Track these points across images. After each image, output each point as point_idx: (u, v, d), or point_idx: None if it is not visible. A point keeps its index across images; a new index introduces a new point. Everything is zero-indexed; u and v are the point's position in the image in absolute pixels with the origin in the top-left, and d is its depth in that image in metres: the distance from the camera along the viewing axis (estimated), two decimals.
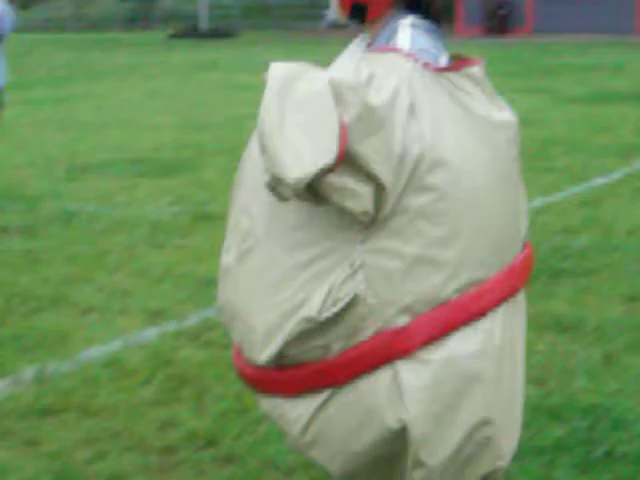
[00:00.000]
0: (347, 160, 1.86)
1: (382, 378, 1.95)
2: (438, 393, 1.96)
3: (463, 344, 1.97)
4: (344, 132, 1.84)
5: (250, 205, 2.11)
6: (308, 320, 1.94)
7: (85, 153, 9.23)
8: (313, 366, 1.99)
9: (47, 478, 2.95)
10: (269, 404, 2.13)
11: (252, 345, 2.06)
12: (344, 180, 1.86)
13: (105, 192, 7.42)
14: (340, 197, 1.86)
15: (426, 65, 2.06)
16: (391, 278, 1.95)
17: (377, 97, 1.89)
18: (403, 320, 1.95)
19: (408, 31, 2.14)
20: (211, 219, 6.21)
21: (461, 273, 1.97)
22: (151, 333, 4.29)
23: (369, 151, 1.87)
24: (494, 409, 2.02)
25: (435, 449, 1.96)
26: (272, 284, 2.01)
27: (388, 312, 1.95)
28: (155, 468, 3.01)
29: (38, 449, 3.14)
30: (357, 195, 1.88)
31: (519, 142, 2.18)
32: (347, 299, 1.93)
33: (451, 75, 2.08)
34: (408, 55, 2.05)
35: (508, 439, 2.07)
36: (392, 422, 1.94)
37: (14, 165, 8.50)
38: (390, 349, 1.94)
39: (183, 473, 2.99)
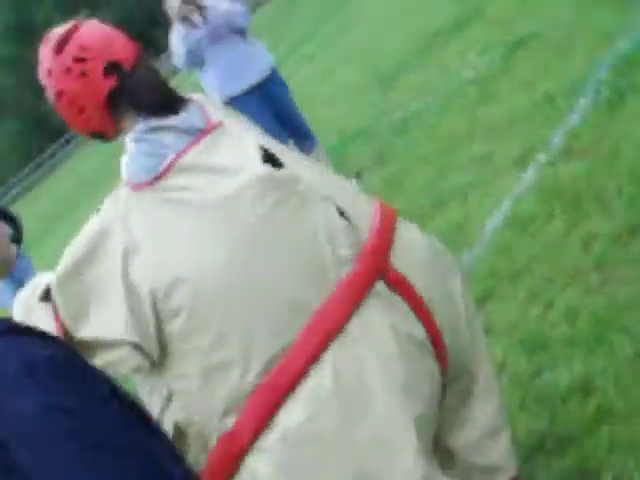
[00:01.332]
0: (85, 345, 1.94)
1: (245, 478, 1.95)
2: (292, 471, 1.92)
3: (290, 416, 1.91)
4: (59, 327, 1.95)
5: None
6: None
7: None
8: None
9: None
10: None
11: None
12: (101, 357, 1.94)
13: None
14: (113, 369, 1.90)
15: (139, 186, 2.01)
16: (197, 395, 1.96)
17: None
18: (230, 421, 1.94)
19: (128, 151, 2.08)
20: None
21: (253, 360, 1.93)
22: None
23: (95, 329, 1.95)
24: (362, 455, 1.91)
25: None
26: None
27: (215, 421, 1.96)
28: None
29: None
30: (121, 361, 1.93)
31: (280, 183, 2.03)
32: (172, 429, 1.98)
33: (162, 182, 2.01)
34: (127, 183, 2.04)
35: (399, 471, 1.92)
36: None
37: None
38: (231, 452, 1.95)
39: None
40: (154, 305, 1.93)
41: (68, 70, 2.12)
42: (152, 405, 2.02)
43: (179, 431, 1.98)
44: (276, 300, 1.96)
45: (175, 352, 1.97)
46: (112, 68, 2.12)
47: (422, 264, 2.17)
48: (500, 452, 2.25)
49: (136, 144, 2.07)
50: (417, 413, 1.95)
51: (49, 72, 2.16)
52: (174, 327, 1.95)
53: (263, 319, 1.95)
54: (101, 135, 2.23)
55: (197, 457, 1.97)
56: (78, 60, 2.11)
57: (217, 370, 1.94)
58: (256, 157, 2.05)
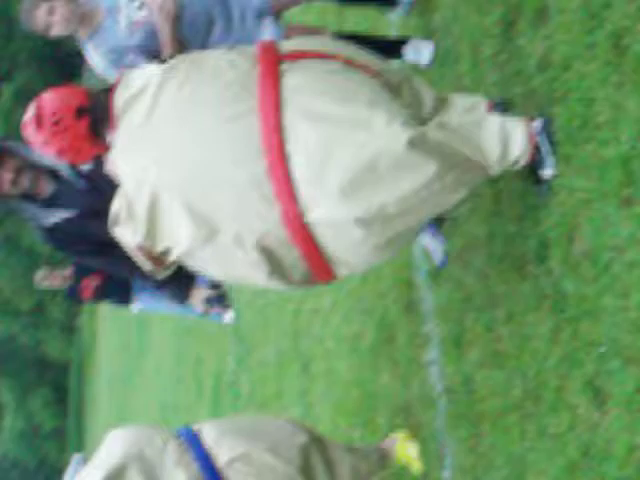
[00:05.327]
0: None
1: None
2: None
3: None
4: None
5: None
6: None
7: None
8: None
9: None
10: None
11: None
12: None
13: None
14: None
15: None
16: None
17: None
18: None
19: None
20: None
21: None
22: None
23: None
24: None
25: None
26: None
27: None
28: None
29: None
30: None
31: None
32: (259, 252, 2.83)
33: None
34: None
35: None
36: None
37: None
38: None
39: None
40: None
41: (54, 134, 2.90)
42: None
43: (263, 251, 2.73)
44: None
45: None
46: (79, 112, 2.90)
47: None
48: None
49: None
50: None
51: (43, 144, 2.94)
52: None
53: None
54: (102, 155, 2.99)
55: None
56: (56, 124, 2.89)
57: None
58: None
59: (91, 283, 5.59)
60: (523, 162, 2.84)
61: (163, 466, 3.20)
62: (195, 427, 3.43)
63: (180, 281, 3.39)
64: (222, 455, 3.25)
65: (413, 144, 2.62)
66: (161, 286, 3.49)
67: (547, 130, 2.85)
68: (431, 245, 3.86)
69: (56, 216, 3.50)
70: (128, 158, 2.86)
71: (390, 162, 2.61)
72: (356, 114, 2.66)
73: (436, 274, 3.94)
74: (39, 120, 2.91)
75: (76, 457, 3.49)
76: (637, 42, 2.50)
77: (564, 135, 2.84)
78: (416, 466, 3.85)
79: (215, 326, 8.82)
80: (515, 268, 3.13)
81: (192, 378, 10.67)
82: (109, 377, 24.62)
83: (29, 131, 2.95)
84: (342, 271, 2.87)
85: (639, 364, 2.43)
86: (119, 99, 2.88)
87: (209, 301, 3.62)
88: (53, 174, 3.53)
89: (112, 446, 3.30)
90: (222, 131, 2.70)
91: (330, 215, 2.66)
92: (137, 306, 7.04)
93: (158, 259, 2.90)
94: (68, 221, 3.52)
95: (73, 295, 6.37)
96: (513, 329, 3.11)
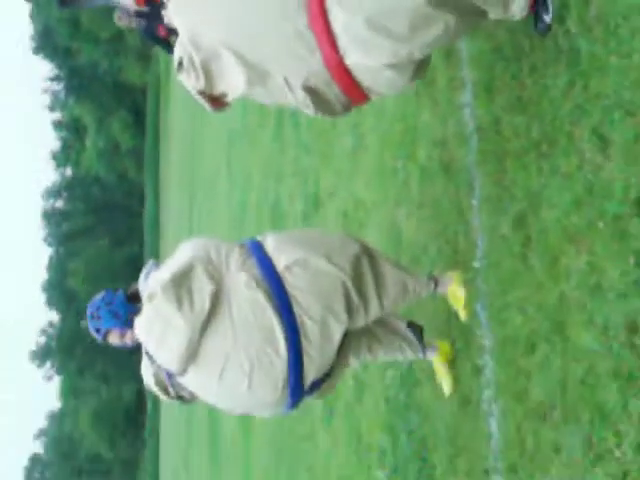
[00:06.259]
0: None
1: None
2: None
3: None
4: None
5: None
6: None
7: None
8: None
9: None
10: None
11: None
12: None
13: None
14: None
15: None
16: None
17: None
18: None
19: None
20: None
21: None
22: None
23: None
24: None
25: None
26: None
27: None
28: None
29: None
30: None
31: None
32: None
33: None
34: None
35: None
36: None
37: None
38: None
39: None
40: None
41: None
42: None
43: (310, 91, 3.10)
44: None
45: None
46: None
47: None
48: None
49: None
50: None
51: None
52: None
53: None
54: None
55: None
56: None
57: None
58: None
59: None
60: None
61: (228, 269, 3.50)
62: (259, 237, 3.71)
63: None
64: (282, 260, 3.54)
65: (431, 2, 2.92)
66: None
67: None
68: None
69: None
70: (182, 12, 3.18)
71: (414, 15, 2.92)
72: None
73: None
74: None
75: (150, 262, 3.77)
76: None
77: None
78: (462, 313, 4.09)
79: None
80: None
81: (257, 108, 11.17)
82: (183, 102, 25.19)
83: None
84: (376, 96, 3.24)
85: (636, 117, 2.81)
86: None
87: None
88: None
89: (182, 251, 3.63)
90: None
91: (364, 61, 2.99)
92: None
93: (217, 100, 3.28)
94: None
95: (149, 34, 6.66)
96: (535, 79, 3.46)
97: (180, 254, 3.63)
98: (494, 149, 3.89)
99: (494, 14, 3.12)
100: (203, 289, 3.41)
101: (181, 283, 3.42)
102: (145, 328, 3.48)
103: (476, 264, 4.04)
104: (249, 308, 3.43)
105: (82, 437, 52.00)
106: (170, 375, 3.54)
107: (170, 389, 3.63)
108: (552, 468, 3.13)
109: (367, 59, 2.99)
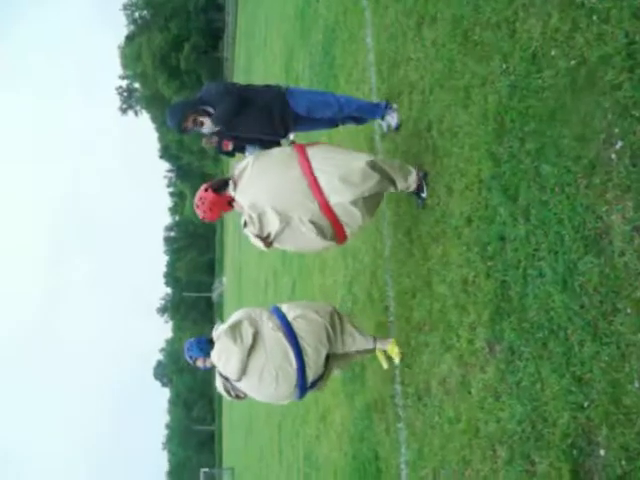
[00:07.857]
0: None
1: None
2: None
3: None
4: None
5: None
6: None
7: None
8: None
9: None
10: None
11: None
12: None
13: None
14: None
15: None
16: None
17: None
18: None
19: None
20: None
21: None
22: None
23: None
24: None
25: None
26: None
27: None
28: None
29: None
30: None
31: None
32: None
33: None
34: None
35: None
36: None
37: None
38: None
39: None
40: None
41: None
42: None
43: (314, 224, 5.16)
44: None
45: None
46: (206, 189, 5.48)
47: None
48: None
49: None
50: None
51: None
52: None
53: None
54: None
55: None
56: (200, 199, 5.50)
57: None
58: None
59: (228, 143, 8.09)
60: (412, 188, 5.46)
61: (261, 321, 5.37)
62: (277, 304, 5.68)
63: None
64: (291, 315, 5.48)
65: (369, 165, 5.16)
66: None
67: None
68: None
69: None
70: (244, 193, 5.24)
71: (362, 172, 5.13)
72: (346, 156, 5.27)
73: None
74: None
75: (218, 323, 5.74)
76: None
77: None
78: (385, 365, 6.16)
79: None
80: None
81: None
82: None
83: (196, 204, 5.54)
84: (349, 231, 5.28)
85: None
86: (235, 171, 5.34)
87: None
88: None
89: (234, 315, 5.53)
90: (286, 175, 5.15)
91: (338, 201, 5.08)
92: None
93: (265, 240, 5.22)
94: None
95: (219, 149, 9.19)
96: None
97: (233, 316, 5.64)
98: None
99: (399, 184, 5.32)
100: (248, 331, 5.36)
101: (234, 329, 5.40)
102: (217, 356, 5.48)
103: None
104: (274, 342, 5.39)
105: None
106: (231, 382, 5.54)
107: (231, 391, 5.66)
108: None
109: (341, 198, 5.08)
